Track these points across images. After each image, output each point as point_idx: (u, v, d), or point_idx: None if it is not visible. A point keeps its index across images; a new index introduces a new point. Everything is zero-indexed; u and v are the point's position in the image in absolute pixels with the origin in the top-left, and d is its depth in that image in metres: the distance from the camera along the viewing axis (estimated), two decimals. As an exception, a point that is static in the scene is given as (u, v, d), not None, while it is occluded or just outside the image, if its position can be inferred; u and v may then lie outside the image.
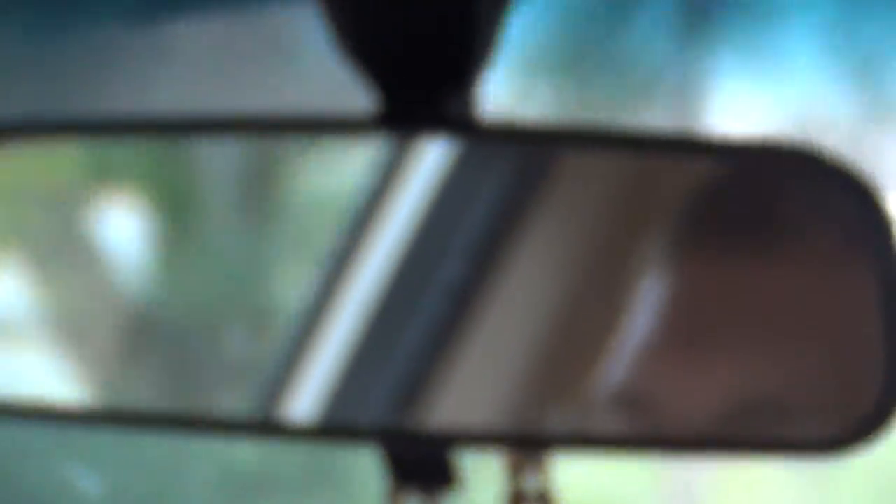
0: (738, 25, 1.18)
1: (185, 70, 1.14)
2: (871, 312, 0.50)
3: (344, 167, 0.52)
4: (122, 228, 0.55)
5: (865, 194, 0.50)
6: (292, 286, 0.53)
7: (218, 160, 0.53)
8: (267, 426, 0.53)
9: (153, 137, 0.54)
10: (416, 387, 0.51)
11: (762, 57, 1.15)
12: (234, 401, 0.53)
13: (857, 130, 1.15)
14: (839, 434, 0.50)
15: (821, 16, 1.12)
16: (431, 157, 0.51)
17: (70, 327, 0.57)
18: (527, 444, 0.52)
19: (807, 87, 1.13)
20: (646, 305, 0.49)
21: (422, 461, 0.53)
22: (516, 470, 0.55)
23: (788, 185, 0.51)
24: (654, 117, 1.18)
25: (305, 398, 0.52)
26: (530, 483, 0.55)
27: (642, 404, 0.49)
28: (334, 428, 0.53)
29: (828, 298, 0.50)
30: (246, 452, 1.38)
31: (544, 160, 0.51)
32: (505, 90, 1.11)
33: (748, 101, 1.15)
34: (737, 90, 1.16)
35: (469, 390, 0.51)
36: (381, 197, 0.52)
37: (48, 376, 0.55)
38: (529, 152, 0.52)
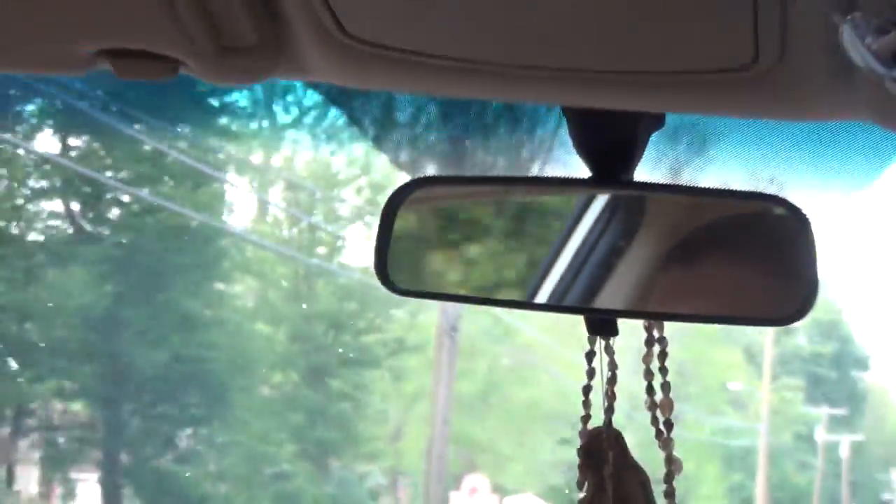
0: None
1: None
2: (801, 274, 0.99)
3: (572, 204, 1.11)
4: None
5: (804, 218, 1.03)
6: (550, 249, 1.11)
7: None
8: (535, 305, 1.09)
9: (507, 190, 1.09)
10: (595, 288, 1.05)
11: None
12: (527, 292, 1.08)
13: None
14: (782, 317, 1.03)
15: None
16: (612, 197, 1.07)
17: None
18: (646, 316, 1.07)
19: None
20: (686, 255, 1.03)
21: (601, 322, 1.07)
22: (648, 328, 1.08)
23: (764, 212, 1.03)
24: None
25: (552, 291, 1.06)
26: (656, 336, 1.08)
27: (682, 292, 1.05)
28: (561, 306, 1.09)
29: (775, 261, 1.04)
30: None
31: (654, 198, 1.08)
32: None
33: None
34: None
35: (615, 290, 1.05)
36: (589, 213, 1.08)
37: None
38: (650, 194, 1.09)
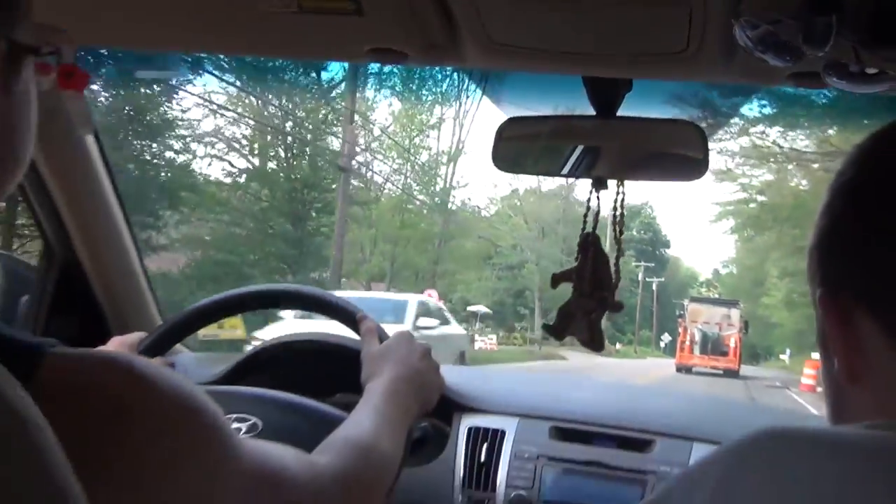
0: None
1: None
2: (699, 154, 0.90)
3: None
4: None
5: (701, 131, 0.98)
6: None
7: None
8: (566, 174, 0.90)
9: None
10: (597, 163, 0.94)
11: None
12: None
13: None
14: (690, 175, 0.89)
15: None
16: (606, 123, 0.92)
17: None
18: (621, 177, 0.89)
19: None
20: (644, 146, 0.94)
21: (599, 181, 0.93)
22: (617, 185, 0.89)
23: (680, 129, 1.00)
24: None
25: (576, 166, 0.94)
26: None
27: (641, 165, 0.96)
28: (580, 173, 0.91)
29: (687, 150, 1.02)
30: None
31: (629, 122, 0.93)
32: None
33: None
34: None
35: (607, 164, 0.91)
36: (595, 130, 0.94)
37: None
38: (627, 122, 0.94)
